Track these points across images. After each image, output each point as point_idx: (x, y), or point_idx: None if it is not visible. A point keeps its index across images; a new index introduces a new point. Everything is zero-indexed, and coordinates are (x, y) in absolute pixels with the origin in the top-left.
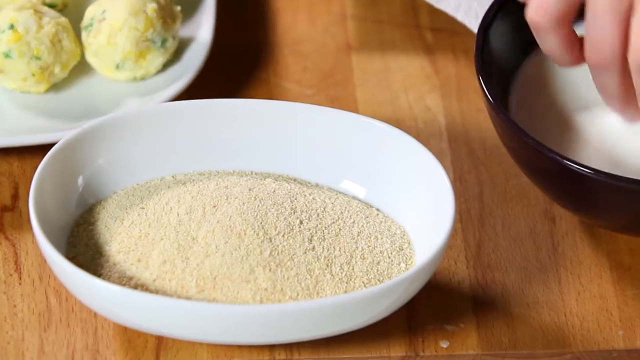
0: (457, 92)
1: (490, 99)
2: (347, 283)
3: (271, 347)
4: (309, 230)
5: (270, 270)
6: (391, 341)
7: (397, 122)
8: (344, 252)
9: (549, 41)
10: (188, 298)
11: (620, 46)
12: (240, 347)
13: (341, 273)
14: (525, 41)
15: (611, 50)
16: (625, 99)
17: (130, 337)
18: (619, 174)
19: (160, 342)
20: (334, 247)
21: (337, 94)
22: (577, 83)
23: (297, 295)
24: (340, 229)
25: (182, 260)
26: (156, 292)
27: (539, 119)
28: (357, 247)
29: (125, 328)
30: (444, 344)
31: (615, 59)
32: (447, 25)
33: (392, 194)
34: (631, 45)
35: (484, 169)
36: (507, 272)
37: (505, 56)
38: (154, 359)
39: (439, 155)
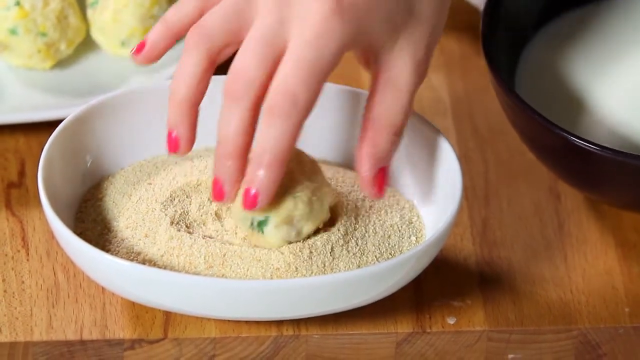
0: (462, 70)
1: (497, 75)
2: (359, 258)
3: (279, 323)
4: None
5: (289, 251)
6: (398, 318)
7: None
8: (360, 226)
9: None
10: (196, 274)
11: (261, 78)
12: (248, 323)
13: (355, 248)
14: (532, 18)
15: (250, 79)
16: (240, 148)
17: (138, 312)
18: (626, 151)
19: (168, 317)
20: (349, 222)
21: (342, 73)
22: (585, 60)
23: (312, 273)
24: (353, 204)
25: (190, 236)
26: (164, 267)
27: (546, 96)
28: (369, 222)
29: (133, 304)
30: (451, 321)
31: (252, 89)
32: (450, 3)
33: (398, 170)
34: (275, 79)
35: (489, 146)
36: (513, 249)
37: (512, 32)
38: (162, 334)
39: (444, 133)
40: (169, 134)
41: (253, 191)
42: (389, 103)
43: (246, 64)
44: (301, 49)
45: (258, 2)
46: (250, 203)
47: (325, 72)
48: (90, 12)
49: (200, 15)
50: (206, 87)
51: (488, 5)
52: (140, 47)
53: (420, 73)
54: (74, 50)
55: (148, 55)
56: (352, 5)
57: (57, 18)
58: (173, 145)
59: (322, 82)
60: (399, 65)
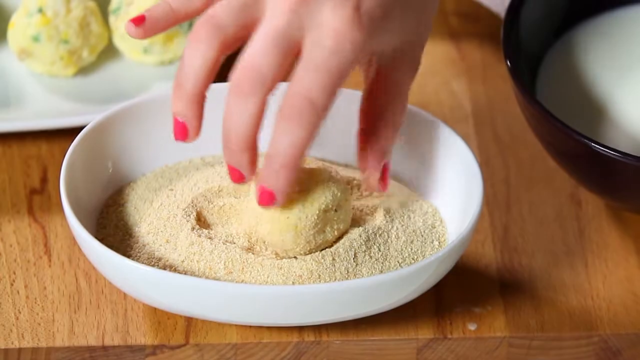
0: (483, 77)
1: (518, 82)
2: (382, 263)
3: (300, 329)
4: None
5: (311, 258)
6: (419, 324)
7: (423, 107)
8: (383, 231)
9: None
10: (216, 279)
11: (273, 76)
12: (269, 328)
13: (378, 254)
14: (553, 25)
15: (262, 76)
16: (252, 141)
17: (160, 318)
18: None
19: (190, 323)
20: (372, 227)
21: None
22: (606, 67)
23: (335, 280)
24: (376, 208)
25: (210, 242)
26: (184, 273)
27: (567, 102)
28: (392, 227)
29: (154, 309)
30: (472, 327)
31: (263, 86)
32: (471, 10)
33: (420, 176)
34: (293, 83)
35: (510, 153)
36: (534, 256)
37: (533, 39)
38: (183, 340)
39: (465, 139)
40: (176, 122)
41: (269, 190)
42: (394, 104)
43: (258, 60)
44: (322, 57)
45: None
46: (267, 201)
47: (343, 79)
48: (112, 19)
49: (206, 6)
50: (213, 79)
51: (509, 13)
52: (139, 20)
53: (415, 73)
54: (96, 57)
55: (146, 30)
56: (369, 15)
57: (79, 25)
58: (181, 133)
59: (339, 88)
60: (400, 68)
